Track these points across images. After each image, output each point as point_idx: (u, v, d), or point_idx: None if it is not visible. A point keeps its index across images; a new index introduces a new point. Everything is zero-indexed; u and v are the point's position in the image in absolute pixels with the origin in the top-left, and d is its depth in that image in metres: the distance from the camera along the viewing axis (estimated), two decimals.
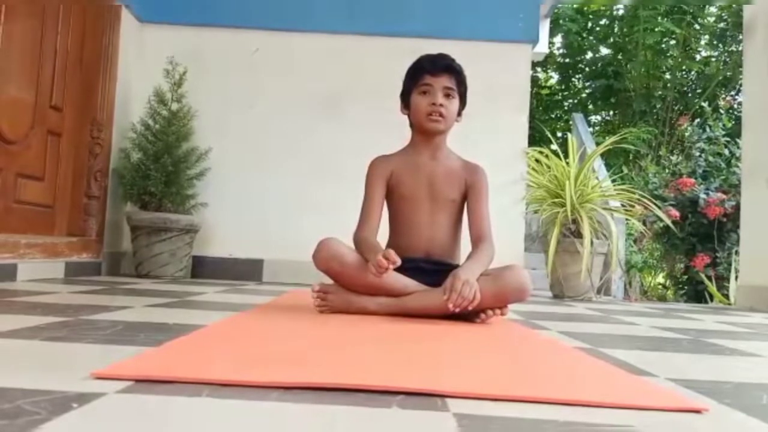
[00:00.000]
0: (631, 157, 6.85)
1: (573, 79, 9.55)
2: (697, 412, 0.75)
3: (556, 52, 9.17)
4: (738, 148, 4.81)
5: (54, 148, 2.83)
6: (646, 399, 0.79)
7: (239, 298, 2.13)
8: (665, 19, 7.69)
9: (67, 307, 1.56)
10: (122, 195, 3.18)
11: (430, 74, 1.75)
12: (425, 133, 1.80)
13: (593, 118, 9.29)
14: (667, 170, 5.50)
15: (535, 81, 9.13)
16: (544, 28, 5.59)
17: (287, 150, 3.47)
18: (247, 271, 3.39)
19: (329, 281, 1.72)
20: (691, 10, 7.70)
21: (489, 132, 3.36)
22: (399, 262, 1.55)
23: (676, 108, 7.75)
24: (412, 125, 1.84)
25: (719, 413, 0.76)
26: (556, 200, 3.32)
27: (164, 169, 3.04)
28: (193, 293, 2.24)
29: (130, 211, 3.13)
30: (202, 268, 3.37)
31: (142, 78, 3.35)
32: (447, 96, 1.75)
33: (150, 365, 0.86)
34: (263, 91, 3.50)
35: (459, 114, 1.82)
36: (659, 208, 3.66)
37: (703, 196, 4.75)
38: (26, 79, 2.60)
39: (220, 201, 3.39)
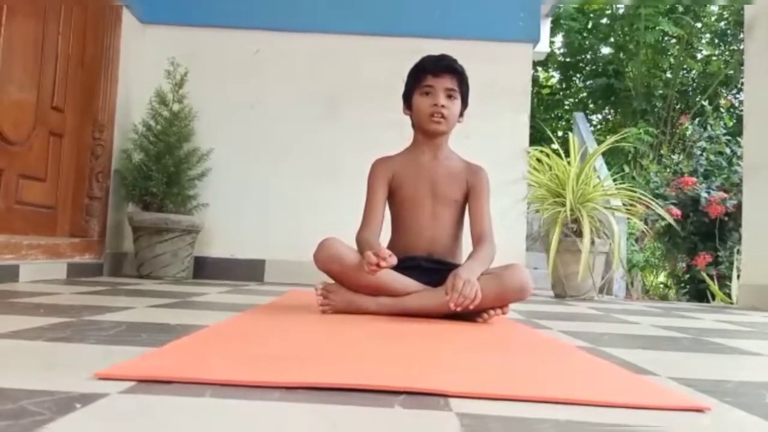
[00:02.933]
0: (630, 157, 6.85)
1: (574, 78, 9.56)
2: (699, 410, 0.75)
3: (557, 51, 9.17)
4: (739, 146, 4.81)
5: (56, 149, 2.83)
6: (647, 398, 0.79)
7: (241, 299, 2.14)
8: (666, 18, 7.68)
9: (70, 308, 1.56)
10: (124, 196, 3.18)
11: (432, 75, 1.75)
12: (427, 134, 1.80)
13: (594, 117, 9.28)
14: (668, 169, 5.50)
15: (535, 80, 9.12)
16: (545, 27, 5.59)
17: (288, 150, 3.48)
18: (248, 271, 3.39)
19: (331, 281, 1.73)
20: (693, 8, 7.70)
21: (490, 132, 3.36)
22: (393, 261, 1.55)
23: (677, 107, 7.74)
24: (414, 126, 1.85)
25: (721, 412, 0.76)
26: (557, 199, 3.32)
27: (166, 169, 3.05)
28: (195, 294, 2.25)
29: (132, 212, 3.13)
30: (204, 269, 3.37)
31: (143, 79, 3.35)
32: (449, 97, 1.76)
33: (153, 365, 0.86)
34: (264, 91, 3.50)
35: (461, 114, 1.82)
36: (660, 207, 3.66)
37: (704, 194, 4.75)
38: (28, 81, 2.60)
39: (222, 201, 3.39)
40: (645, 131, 6.76)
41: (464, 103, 1.82)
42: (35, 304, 1.62)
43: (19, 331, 1.13)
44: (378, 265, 1.53)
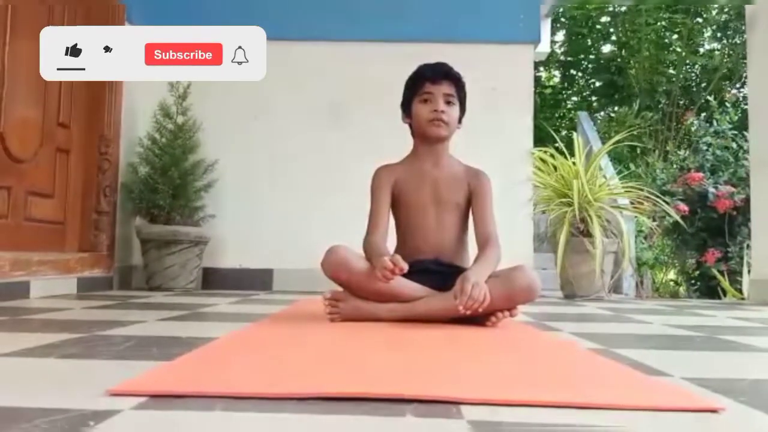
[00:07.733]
0: (639, 152, 6.82)
1: (576, 77, 9.54)
2: (714, 411, 0.74)
3: (558, 51, 9.16)
4: (745, 141, 4.78)
5: (63, 165, 2.85)
6: (661, 399, 0.79)
7: (250, 309, 2.14)
8: (667, 12, 7.68)
9: (81, 323, 1.57)
10: (131, 209, 3.20)
11: (431, 82, 1.77)
12: (428, 140, 1.81)
13: (598, 116, 9.26)
14: (674, 165, 5.48)
15: (537, 80, 9.11)
16: (546, 27, 5.58)
17: (293, 158, 3.48)
18: (257, 281, 3.39)
19: (339, 289, 1.73)
20: (693, 7, 7.69)
21: (494, 134, 3.35)
22: (406, 268, 1.56)
23: (681, 103, 7.71)
24: (414, 134, 1.86)
25: (736, 412, 0.75)
26: (563, 200, 3.31)
27: (171, 182, 3.06)
28: (205, 305, 2.25)
29: (140, 225, 3.14)
30: (213, 280, 3.38)
31: (147, 92, 3.36)
32: (448, 103, 1.77)
33: (164, 380, 0.87)
34: (267, 101, 3.51)
35: (459, 121, 1.83)
36: (668, 204, 3.65)
37: (712, 190, 4.72)
38: (33, 98, 2.62)
39: (228, 212, 3.40)
40: (648, 123, 6.72)
41: (462, 110, 1.83)
42: (47, 321, 1.63)
43: (32, 349, 1.14)
44: (393, 272, 1.54)
